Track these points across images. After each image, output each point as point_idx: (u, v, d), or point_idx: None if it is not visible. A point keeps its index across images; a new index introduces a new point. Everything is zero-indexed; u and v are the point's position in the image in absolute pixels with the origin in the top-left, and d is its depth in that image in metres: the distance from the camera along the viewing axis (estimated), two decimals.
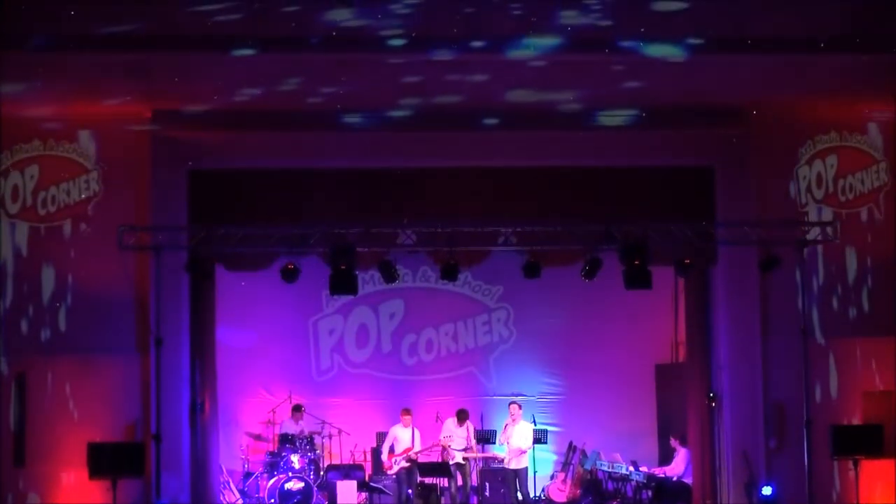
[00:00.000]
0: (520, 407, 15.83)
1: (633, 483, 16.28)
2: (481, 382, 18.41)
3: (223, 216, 14.94)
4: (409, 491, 15.39)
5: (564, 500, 16.77)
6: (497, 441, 16.15)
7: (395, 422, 16.29)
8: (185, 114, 14.85)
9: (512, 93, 14.59)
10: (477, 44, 13.11)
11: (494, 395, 18.03)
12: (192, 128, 15.02)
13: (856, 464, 14.11)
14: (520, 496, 15.36)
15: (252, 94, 14.47)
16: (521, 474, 15.42)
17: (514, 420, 15.59)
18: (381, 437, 16.78)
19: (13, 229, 14.79)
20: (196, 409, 15.16)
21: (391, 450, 15.84)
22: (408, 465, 15.57)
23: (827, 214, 15.50)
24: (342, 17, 12.48)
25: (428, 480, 15.75)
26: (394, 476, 15.78)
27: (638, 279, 14.58)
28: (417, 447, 15.79)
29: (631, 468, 16.36)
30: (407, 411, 16.11)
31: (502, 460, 15.99)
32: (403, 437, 15.78)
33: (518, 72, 13.85)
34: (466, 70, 13.90)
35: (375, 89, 14.32)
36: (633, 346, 18.09)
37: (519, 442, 15.38)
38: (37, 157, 14.85)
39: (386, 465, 15.85)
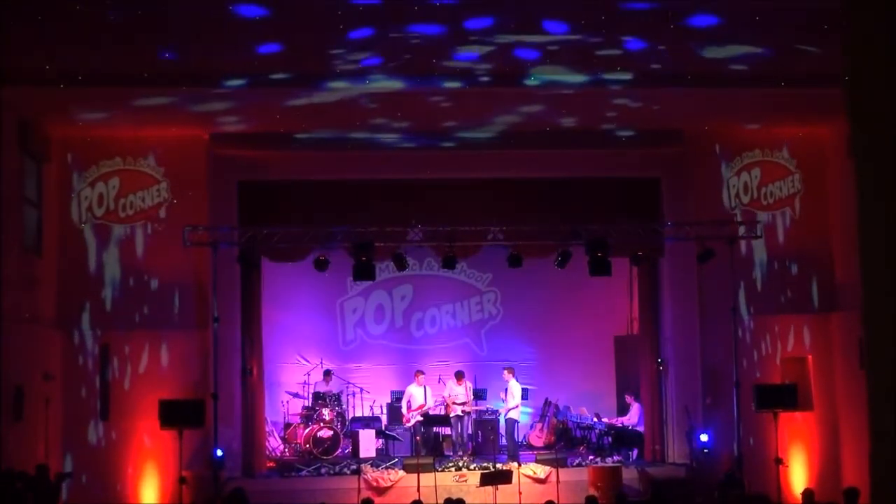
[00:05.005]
0: (508, 371, 16.06)
1: (597, 431, 16.54)
2: (474, 351, 18.49)
3: (267, 218, 15.07)
4: (417, 438, 15.43)
5: (542, 444, 16.81)
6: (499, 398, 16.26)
7: (407, 383, 16.44)
8: (234, 136, 15.08)
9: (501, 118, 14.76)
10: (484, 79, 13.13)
11: (485, 361, 18.15)
12: (240, 148, 15.21)
13: (775, 416, 14.41)
14: (505, 441, 15.73)
15: (289, 121, 14.61)
16: (508, 424, 15.72)
17: (506, 381, 15.92)
18: (395, 394, 16.93)
19: (99, 229, 14.94)
20: (246, 373, 15.26)
21: (408, 405, 15.87)
22: (421, 419, 15.60)
23: (752, 216, 15.73)
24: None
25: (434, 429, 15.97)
26: (410, 428, 15.85)
27: (600, 268, 14.86)
28: (430, 403, 15.85)
29: (595, 419, 16.71)
30: (420, 372, 16.31)
31: (494, 412, 16.27)
32: (417, 394, 15.89)
33: (509, 104, 14.03)
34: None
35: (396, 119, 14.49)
36: (596, 322, 18.22)
37: (509, 401, 15.73)
38: (118, 170, 15.13)
39: (405, 418, 15.92)
